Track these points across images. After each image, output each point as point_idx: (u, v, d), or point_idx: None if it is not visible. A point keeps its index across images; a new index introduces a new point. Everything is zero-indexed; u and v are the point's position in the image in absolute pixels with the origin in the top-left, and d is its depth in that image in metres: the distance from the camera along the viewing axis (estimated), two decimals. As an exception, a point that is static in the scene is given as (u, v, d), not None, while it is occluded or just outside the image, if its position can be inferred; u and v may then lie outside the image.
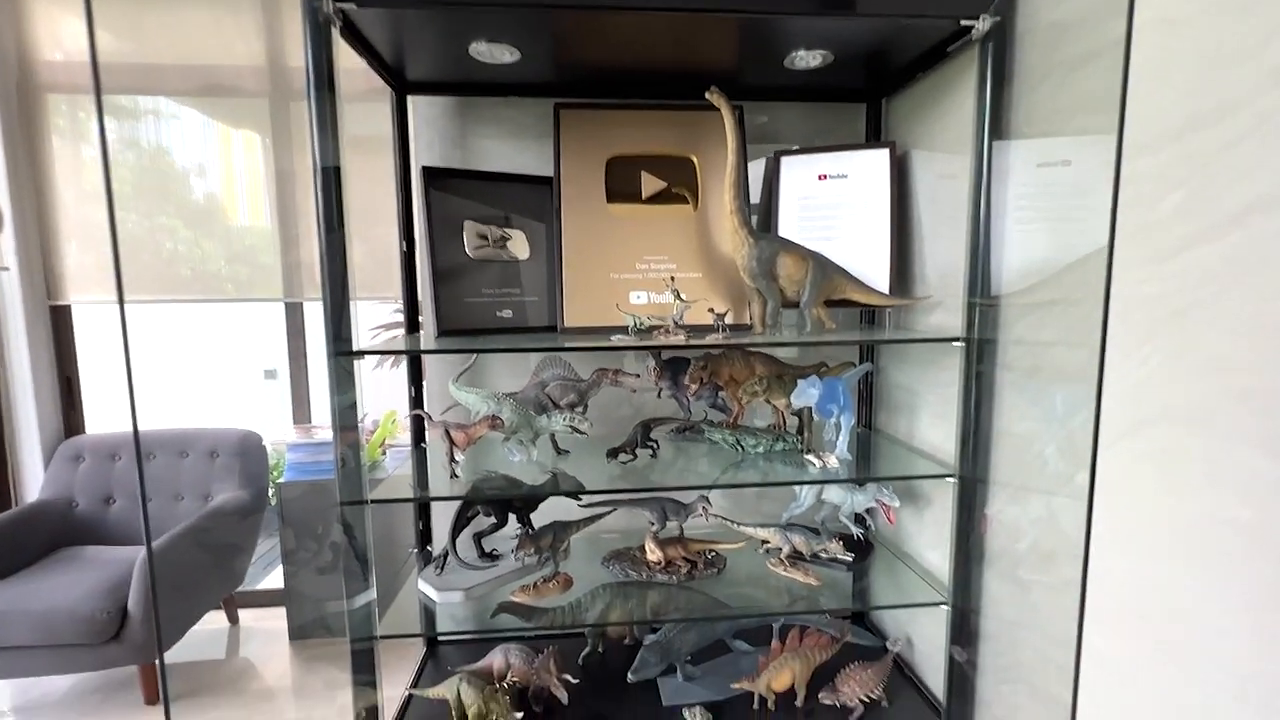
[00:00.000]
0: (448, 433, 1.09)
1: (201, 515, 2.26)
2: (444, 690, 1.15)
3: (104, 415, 2.75)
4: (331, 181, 0.91)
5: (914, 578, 1.23)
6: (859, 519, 1.29)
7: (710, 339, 1.09)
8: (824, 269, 1.14)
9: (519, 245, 1.28)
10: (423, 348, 1.13)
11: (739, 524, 1.29)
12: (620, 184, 1.27)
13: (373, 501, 1.00)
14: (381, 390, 2.84)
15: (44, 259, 2.55)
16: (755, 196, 1.34)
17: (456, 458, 1.10)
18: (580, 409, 1.18)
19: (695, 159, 1.28)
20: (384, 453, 2.56)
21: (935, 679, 1.23)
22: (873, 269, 1.22)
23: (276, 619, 2.51)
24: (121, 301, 0.83)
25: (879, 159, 1.24)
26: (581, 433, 1.12)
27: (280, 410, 2.86)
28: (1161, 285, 0.73)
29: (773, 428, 1.32)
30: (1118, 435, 0.79)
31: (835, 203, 1.26)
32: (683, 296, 1.12)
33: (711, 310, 1.12)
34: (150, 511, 2.47)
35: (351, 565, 1.00)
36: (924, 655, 1.29)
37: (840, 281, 1.15)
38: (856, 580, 1.25)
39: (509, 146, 1.35)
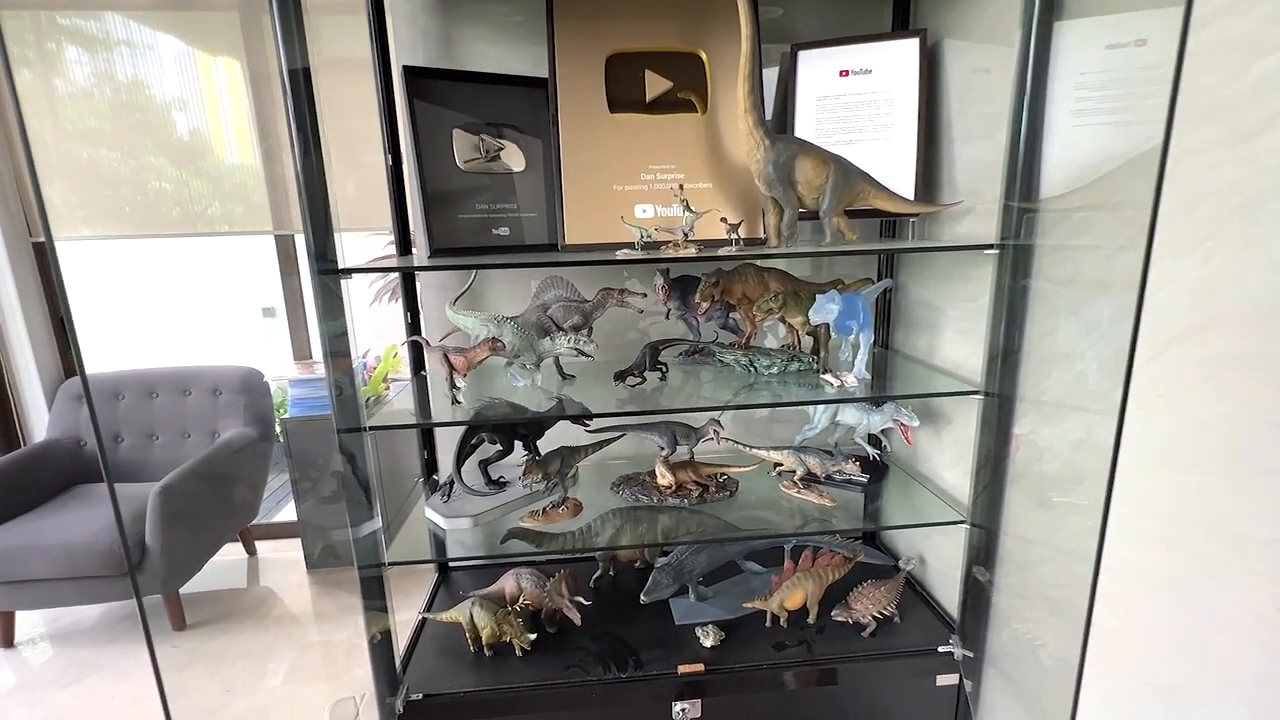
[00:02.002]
0: (446, 357, 1.04)
1: (210, 450, 2.27)
2: (457, 614, 1.16)
3: (100, 354, 2.72)
4: (301, 86, 0.81)
5: (929, 497, 1.21)
6: (874, 440, 1.26)
7: (722, 252, 1.01)
8: (846, 173, 1.04)
9: (514, 156, 1.18)
10: (416, 265, 1.06)
11: (751, 447, 1.26)
12: (622, 86, 1.15)
13: (371, 429, 0.96)
14: (383, 327, 2.79)
15: (20, 196, 2.45)
16: (770, 101, 1.22)
17: (457, 383, 1.05)
18: (585, 331, 1.12)
19: (704, 55, 1.16)
20: (387, 387, 2.54)
21: (948, 596, 1.23)
22: (898, 174, 1.12)
23: (293, 550, 2.56)
24: (48, 231, 0.75)
25: (907, 50, 1.12)
26: (587, 355, 1.06)
27: (281, 348, 2.83)
28: (1234, 171, 0.65)
29: (787, 348, 1.26)
30: (1167, 341, 0.73)
31: (858, 102, 1.15)
32: (692, 208, 1.04)
33: (724, 221, 1.04)
34: (158, 449, 2.47)
35: (354, 495, 0.97)
36: (937, 573, 1.28)
37: (863, 187, 1.06)
38: (871, 501, 1.22)
39: (498, 49, 1.23)
